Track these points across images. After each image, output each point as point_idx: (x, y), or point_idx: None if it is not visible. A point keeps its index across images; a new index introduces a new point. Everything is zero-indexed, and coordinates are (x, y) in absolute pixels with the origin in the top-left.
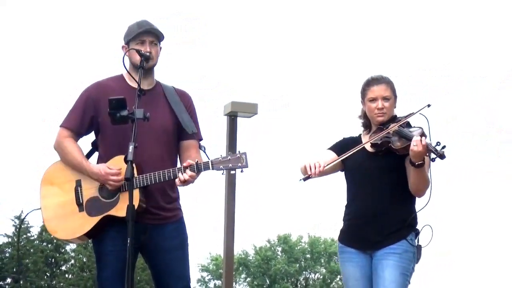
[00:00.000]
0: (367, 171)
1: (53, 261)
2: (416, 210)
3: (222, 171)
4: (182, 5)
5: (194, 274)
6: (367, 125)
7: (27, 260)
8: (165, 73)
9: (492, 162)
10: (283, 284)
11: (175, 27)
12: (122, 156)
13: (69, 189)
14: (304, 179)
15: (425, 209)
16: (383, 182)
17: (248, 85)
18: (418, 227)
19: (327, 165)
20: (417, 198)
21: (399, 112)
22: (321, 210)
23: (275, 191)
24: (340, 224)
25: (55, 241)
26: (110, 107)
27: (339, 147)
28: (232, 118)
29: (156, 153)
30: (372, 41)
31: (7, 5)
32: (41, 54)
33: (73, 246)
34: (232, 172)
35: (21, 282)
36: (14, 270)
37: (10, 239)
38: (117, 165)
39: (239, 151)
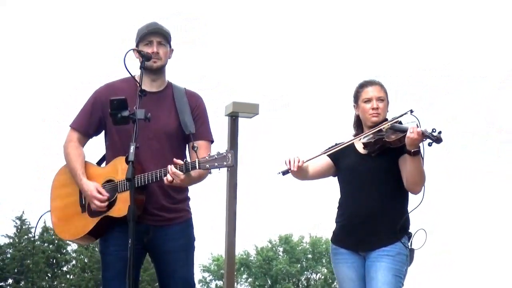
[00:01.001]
0: (360, 173)
1: (54, 261)
2: (409, 211)
3: (209, 170)
4: (182, 5)
5: (196, 274)
6: (357, 134)
7: (28, 261)
8: (166, 74)
9: (492, 162)
10: (285, 285)
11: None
12: (123, 157)
13: (75, 191)
14: (283, 173)
15: (425, 208)
16: (376, 184)
17: (249, 85)
18: (412, 230)
19: (306, 160)
20: (410, 201)
21: (396, 112)
22: (322, 210)
23: (276, 191)
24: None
25: (56, 241)
26: (111, 107)
27: (333, 152)
28: (233, 118)
29: (158, 155)
30: (372, 41)
31: (7, 5)
32: (41, 54)
33: (74, 247)
34: (219, 171)
35: (23, 283)
36: (16, 270)
37: (11, 240)
38: (117, 166)
39: (226, 150)
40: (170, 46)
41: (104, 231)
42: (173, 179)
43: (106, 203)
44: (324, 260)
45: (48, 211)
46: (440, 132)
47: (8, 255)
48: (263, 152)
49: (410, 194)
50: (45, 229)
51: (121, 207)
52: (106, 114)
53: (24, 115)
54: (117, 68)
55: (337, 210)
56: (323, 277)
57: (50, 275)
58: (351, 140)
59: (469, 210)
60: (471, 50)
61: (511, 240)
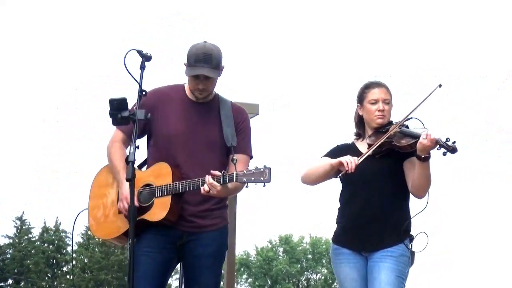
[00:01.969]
0: (365, 174)
1: (54, 262)
2: (413, 214)
3: (246, 184)
4: (182, 5)
5: None
6: (360, 134)
7: (28, 261)
8: (166, 74)
9: (492, 162)
10: (285, 285)
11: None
12: (165, 163)
13: (113, 192)
14: (342, 175)
15: (425, 209)
16: (381, 185)
17: (249, 85)
18: (413, 233)
19: (360, 161)
20: (411, 204)
21: (396, 112)
22: (323, 211)
23: (276, 191)
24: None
25: (56, 242)
26: (111, 108)
27: (335, 154)
28: None
29: (200, 166)
30: (372, 41)
31: (7, 5)
32: (41, 54)
33: (74, 247)
34: (255, 185)
35: (23, 283)
36: (16, 271)
37: (11, 240)
38: (157, 171)
39: (264, 166)
40: (220, 67)
41: (139, 233)
42: (210, 189)
43: (126, 206)
44: (324, 261)
45: (85, 209)
46: (454, 142)
47: (8, 256)
48: (263, 152)
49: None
50: (45, 230)
51: (157, 212)
52: (151, 119)
53: (24, 115)
54: (118, 68)
55: (338, 209)
56: (323, 277)
57: (50, 276)
58: (367, 153)
59: (469, 210)
60: (471, 50)
61: (511, 240)
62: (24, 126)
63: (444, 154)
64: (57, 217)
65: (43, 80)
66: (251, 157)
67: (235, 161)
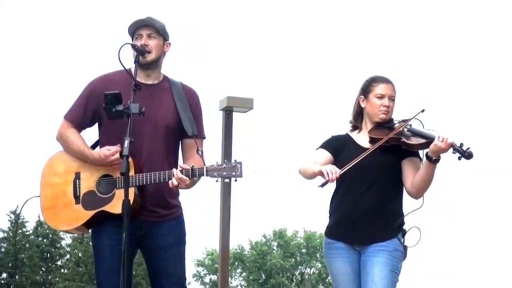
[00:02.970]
0: (363, 167)
1: (48, 256)
2: (408, 210)
3: (216, 178)
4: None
5: (190, 269)
6: (356, 126)
7: (22, 255)
8: (164, 65)
9: (492, 161)
10: (279, 279)
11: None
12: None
13: (68, 181)
14: (322, 185)
15: (427, 206)
16: (377, 179)
17: (243, 80)
18: (405, 227)
19: (343, 171)
20: (405, 200)
21: (395, 112)
22: (317, 205)
23: (270, 186)
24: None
25: (50, 236)
26: (106, 102)
27: (332, 146)
28: (227, 113)
29: (155, 149)
30: (371, 37)
31: (7, 5)
32: (42, 54)
33: (68, 241)
34: (226, 180)
35: (17, 277)
36: (10, 265)
37: (5, 234)
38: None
39: (235, 160)
40: (166, 39)
41: (97, 224)
42: (178, 183)
43: (119, 150)
44: (318, 255)
45: (36, 196)
46: (468, 148)
47: (3, 250)
48: (257, 146)
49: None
50: (39, 223)
51: (119, 204)
52: (101, 106)
53: (19, 111)
54: (116, 66)
55: (330, 202)
56: (317, 271)
57: (44, 269)
58: (375, 147)
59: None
60: (471, 50)
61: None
62: (19, 121)
63: (459, 158)
64: None
65: (43, 80)
66: (204, 138)
67: (201, 153)
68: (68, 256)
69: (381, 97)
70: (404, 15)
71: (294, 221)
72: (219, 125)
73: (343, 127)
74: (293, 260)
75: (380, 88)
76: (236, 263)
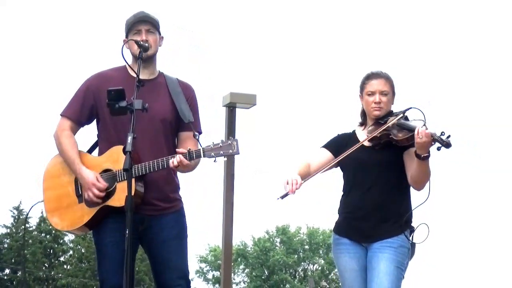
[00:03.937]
0: (365, 165)
1: (51, 252)
2: (414, 206)
3: (213, 158)
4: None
5: (193, 265)
6: (363, 123)
7: (25, 251)
8: (164, 65)
9: (492, 161)
10: (282, 275)
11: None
12: (120, 147)
13: (70, 181)
14: (282, 197)
15: (431, 205)
16: (380, 176)
17: (246, 76)
18: (414, 224)
19: (305, 181)
20: (412, 195)
21: (397, 109)
22: (320, 201)
23: (273, 182)
24: (337, 216)
25: (53, 232)
26: (109, 98)
27: (334, 145)
28: (230, 109)
29: (154, 143)
30: (372, 36)
31: (7, 5)
32: (42, 54)
33: (71, 237)
34: (224, 159)
35: (20, 273)
36: (13, 261)
37: (8, 230)
38: (114, 155)
39: (230, 138)
40: (160, 34)
41: (100, 222)
42: (178, 165)
43: (104, 193)
44: (321, 251)
45: (41, 201)
46: (449, 137)
47: (6, 245)
48: (260, 142)
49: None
50: (43, 219)
51: (121, 197)
52: (98, 102)
53: (21, 107)
54: (114, 63)
55: (340, 200)
56: (320, 268)
57: (47, 265)
58: (359, 144)
59: (470, 209)
60: (471, 50)
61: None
62: (21, 118)
63: (438, 149)
64: None
65: (43, 80)
66: (200, 133)
67: (197, 137)
68: (71, 252)
69: (371, 94)
70: (404, 15)
71: (297, 217)
72: (221, 123)
73: (345, 122)
74: (296, 256)
75: (370, 85)
76: (239, 259)
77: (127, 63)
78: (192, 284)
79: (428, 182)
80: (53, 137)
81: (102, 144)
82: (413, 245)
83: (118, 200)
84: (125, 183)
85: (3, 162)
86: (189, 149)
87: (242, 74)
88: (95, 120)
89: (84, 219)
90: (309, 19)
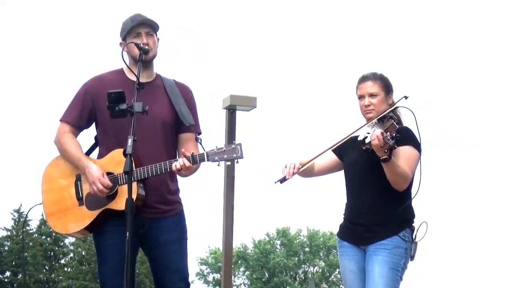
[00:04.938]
0: (359, 168)
1: (52, 254)
2: (405, 204)
3: (217, 162)
4: (181, 4)
5: (193, 267)
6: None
7: (26, 254)
8: (163, 68)
9: (492, 161)
10: (282, 278)
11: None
12: (121, 150)
13: (70, 184)
14: (281, 181)
15: (431, 205)
16: (374, 178)
17: (246, 78)
18: (415, 224)
19: (302, 166)
20: (413, 196)
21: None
22: (320, 204)
23: (274, 184)
24: (338, 218)
25: (54, 234)
26: (109, 100)
27: (340, 148)
28: (231, 111)
29: (154, 146)
30: (372, 36)
31: (7, 5)
32: (41, 55)
33: (72, 239)
34: (228, 163)
35: (20, 276)
36: (13, 263)
37: (9, 233)
38: (115, 158)
39: (234, 142)
40: (157, 36)
41: (101, 225)
42: (181, 169)
43: (108, 190)
44: (321, 254)
45: (39, 204)
46: (397, 137)
47: (6, 248)
48: (260, 145)
49: (412, 188)
50: (43, 222)
51: (123, 200)
52: (97, 106)
53: (21, 109)
54: (119, 66)
55: (345, 205)
56: (320, 270)
57: (47, 268)
58: (343, 140)
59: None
60: (471, 50)
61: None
62: (22, 119)
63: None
64: None
65: (43, 81)
66: (200, 133)
67: (200, 141)
68: (71, 254)
69: (361, 97)
70: (404, 15)
71: (297, 219)
72: (221, 124)
73: (345, 124)
74: (296, 258)
75: (359, 89)
76: (239, 262)
77: (127, 66)
78: (192, 287)
79: (419, 178)
80: (54, 142)
81: (102, 147)
82: (415, 244)
83: (120, 203)
84: (126, 186)
85: (4, 164)
86: (193, 153)
87: (242, 74)
88: (93, 124)
89: (85, 222)
90: (309, 20)
